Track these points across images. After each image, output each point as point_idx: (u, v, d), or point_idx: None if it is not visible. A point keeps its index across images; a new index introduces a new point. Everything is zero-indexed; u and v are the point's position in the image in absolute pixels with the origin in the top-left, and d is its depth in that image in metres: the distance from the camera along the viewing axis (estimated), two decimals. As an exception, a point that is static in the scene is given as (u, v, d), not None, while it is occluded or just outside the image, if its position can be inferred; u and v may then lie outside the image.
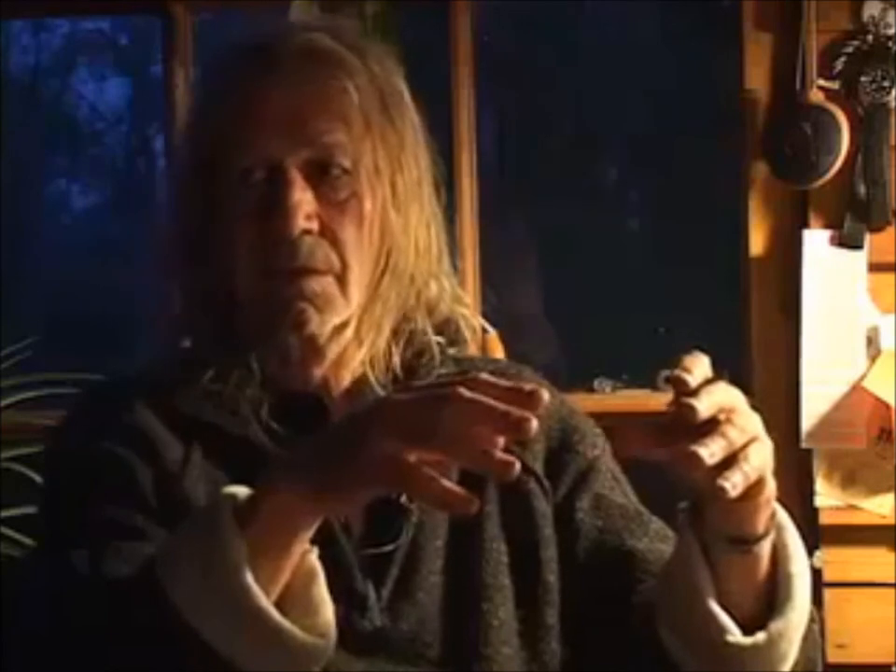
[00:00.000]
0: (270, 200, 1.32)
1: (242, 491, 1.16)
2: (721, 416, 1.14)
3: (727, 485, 1.13)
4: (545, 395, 1.06)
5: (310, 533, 1.15)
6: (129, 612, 1.15)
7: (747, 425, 1.15)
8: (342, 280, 1.34)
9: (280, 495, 1.12)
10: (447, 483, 1.05)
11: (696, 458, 1.11)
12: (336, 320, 1.35)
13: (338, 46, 1.35)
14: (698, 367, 1.15)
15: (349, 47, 1.36)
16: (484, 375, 1.08)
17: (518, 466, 1.05)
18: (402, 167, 1.37)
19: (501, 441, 1.06)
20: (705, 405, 1.13)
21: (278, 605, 1.14)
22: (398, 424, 1.07)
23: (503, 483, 1.32)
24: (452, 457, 1.07)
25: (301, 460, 1.14)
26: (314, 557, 1.17)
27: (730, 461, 1.14)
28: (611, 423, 1.50)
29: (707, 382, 1.14)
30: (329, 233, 1.33)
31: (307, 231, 1.32)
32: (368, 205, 1.35)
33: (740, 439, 1.14)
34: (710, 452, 1.12)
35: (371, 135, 1.34)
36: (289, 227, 1.31)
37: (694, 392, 1.13)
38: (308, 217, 1.32)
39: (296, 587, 1.16)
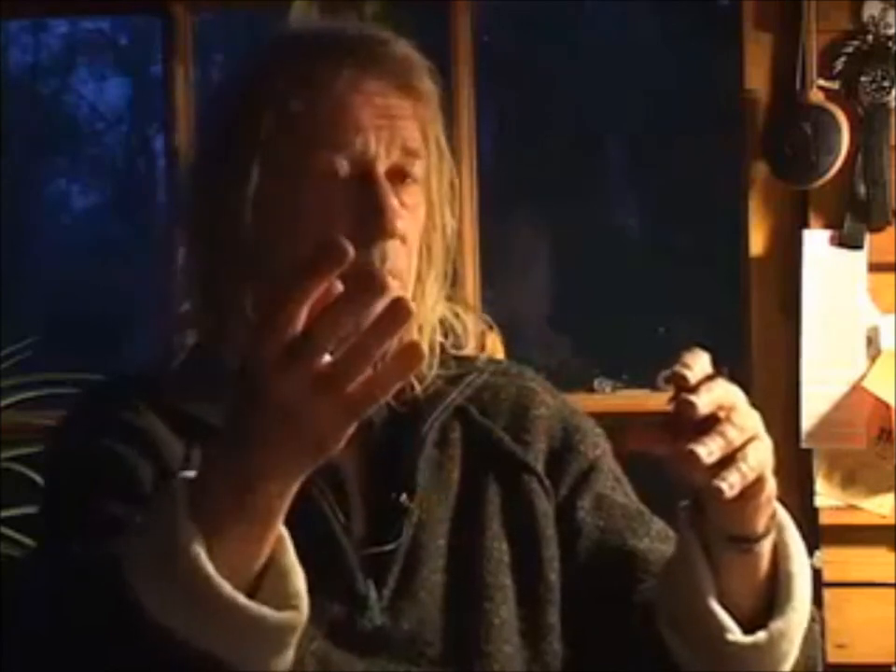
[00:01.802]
0: (362, 199, 1.32)
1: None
2: (721, 414, 1.14)
3: (724, 486, 1.13)
4: (391, 283, 1.02)
5: (283, 499, 1.08)
6: (100, 606, 1.13)
7: (746, 423, 1.15)
8: (404, 285, 1.36)
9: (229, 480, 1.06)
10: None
11: (694, 457, 1.11)
12: None
13: (415, 54, 1.39)
14: (698, 363, 1.15)
15: (420, 57, 1.39)
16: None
17: (425, 348, 1.03)
18: (443, 177, 1.40)
19: (393, 340, 1.01)
20: (704, 401, 1.13)
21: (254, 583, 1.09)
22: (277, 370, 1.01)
23: (541, 481, 1.38)
24: (377, 394, 1.02)
25: (233, 449, 1.06)
26: (280, 527, 1.12)
27: (728, 460, 1.14)
28: (611, 423, 1.51)
29: (708, 378, 1.15)
30: (404, 240, 1.35)
31: (397, 235, 1.33)
32: (423, 213, 1.38)
33: (739, 438, 1.14)
34: (708, 451, 1.12)
35: (431, 146, 1.38)
36: (389, 228, 1.32)
37: (694, 388, 1.13)
38: (402, 221, 1.34)
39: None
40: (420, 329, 1.39)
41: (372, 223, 1.32)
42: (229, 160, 1.37)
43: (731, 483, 1.13)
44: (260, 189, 1.35)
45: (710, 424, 1.13)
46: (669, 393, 1.16)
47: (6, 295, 4.18)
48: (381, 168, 1.33)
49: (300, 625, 1.11)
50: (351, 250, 0.99)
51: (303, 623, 1.11)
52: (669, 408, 1.15)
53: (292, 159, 1.34)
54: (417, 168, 1.36)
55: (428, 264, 1.39)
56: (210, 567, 1.06)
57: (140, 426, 1.33)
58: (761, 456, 1.16)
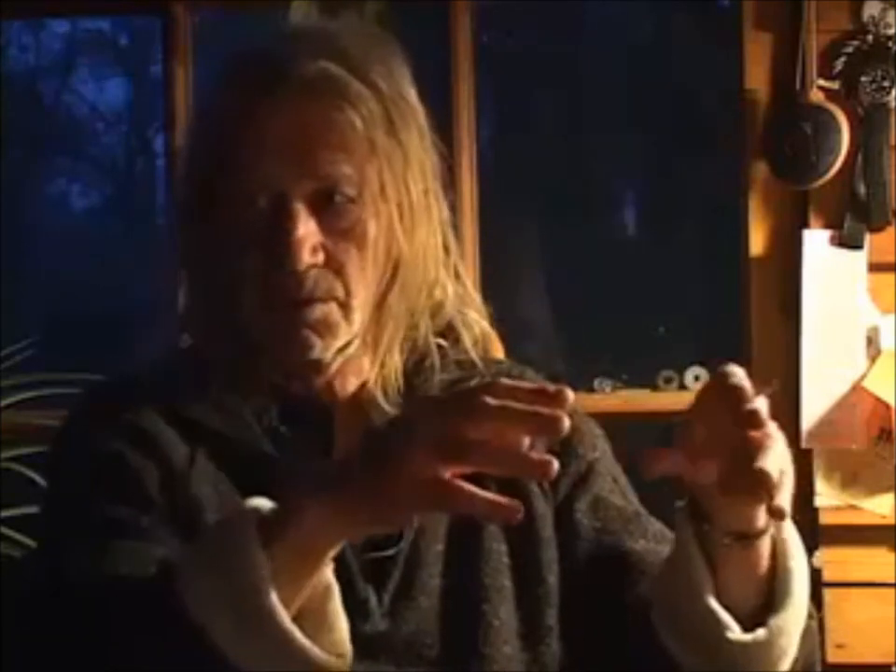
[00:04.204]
0: (274, 231, 1.32)
1: (264, 505, 1.15)
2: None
3: (783, 506, 1.15)
4: (570, 393, 1.06)
5: (333, 553, 1.15)
6: (139, 618, 1.15)
7: (781, 440, 1.17)
8: (345, 306, 1.34)
9: (309, 517, 1.11)
10: (490, 496, 1.06)
11: (766, 477, 1.12)
12: (339, 343, 1.35)
13: (344, 73, 1.34)
14: (745, 378, 1.16)
15: (355, 70, 1.34)
16: (505, 380, 1.08)
17: (556, 464, 1.05)
18: (409, 185, 1.36)
19: (528, 441, 1.05)
20: (764, 415, 1.14)
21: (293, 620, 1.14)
22: (430, 442, 1.06)
23: (539, 483, 1.37)
24: (489, 468, 1.07)
25: (332, 483, 1.13)
26: (329, 572, 1.17)
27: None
28: (611, 423, 1.51)
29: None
30: (333, 263, 1.33)
31: (312, 265, 1.32)
32: (373, 230, 1.34)
33: (783, 457, 1.16)
34: (773, 468, 1.13)
35: (377, 161, 1.34)
36: (295, 262, 1.31)
37: (750, 400, 1.14)
38: (314, 251, 1.32)
39: (311, 603, 1.15)
40: (388, 348, 1.38)
41: (277, 255, 1.31)
42: (184, 193, 1.40)
43: (786, 503, 1.16)
44: (205, 222, 1.36)
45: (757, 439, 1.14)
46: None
47: (6, 295, 4.18)
48: (295, 196, 1.32)
49: None
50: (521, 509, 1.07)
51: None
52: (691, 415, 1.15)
53: (223, 194, 1.35)
54: (347, 189, 1.33)
55: (391, 284, 1.37)
56: (287, 619, 1.12)
57: (144, 427, 1.33)
58: (791, 474, 1.18)
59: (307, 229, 1.31)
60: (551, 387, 1.06)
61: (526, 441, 1.05)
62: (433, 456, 1.06)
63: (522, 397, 1.06)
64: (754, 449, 1.13)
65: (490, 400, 1.05)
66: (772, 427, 1.16)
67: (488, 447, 1.05)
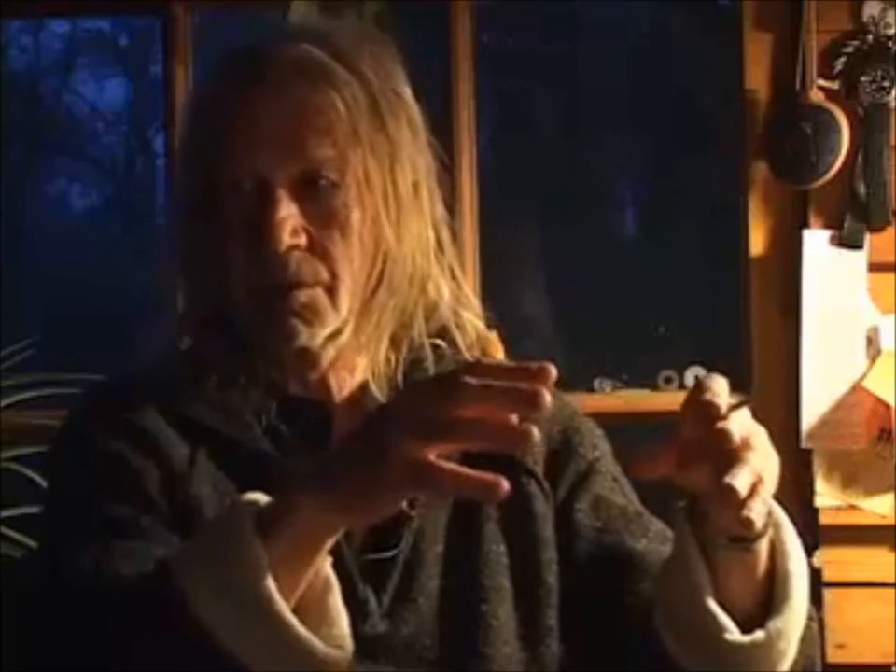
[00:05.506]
0: (256, 214, 1.32)
1: (261, 499, 1.15)
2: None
3: (753, 516, 1.14)
4: (553, 370, 1.06)
5: (330, 545, 1.15)
6: (139, 615, 1.15)
7: (762, 447, 1.16)
8: (331, 291, 1.34)
9: (303, 509, 1.12)
10: (473, 472, 1.05)
11: (733, 492, 1.12)
12: (326, 331, 1.35)
13: (328, 57, 1.34)
14: (723, 390, 1.15)
15: (341, 56, 1.35)
16: (483, 359, 1.08)
17: (537, 433, 1.05)
18: (396, 177, 1.36)
19: (514, 418, 1.05)
20: (737, 430, 1.14)
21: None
22: (413, 424, 1.06)
23: (523, 455, 1.36)
24: (471, 446, 1.07)
25: (322, 472, 1.13)
26: (328, 567, 1.17)
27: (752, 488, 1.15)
28: (611, 423, 1.50)
29: (732, 407, 1.15)
30: (317, 247, 1.33)
31: (294, 247, 1.32)
32: (357, 217, 1.34)
33: (760, 464, 1.15)
34: (742, 483, 1.12)
35: (361, 147, 1.34)
36: (275, 244, 1.31)
37: (724, 417, 1.14)
38: (294, 233, 1.32)
39: (311, 597, 1.16)
40: (377, 340, 1.38)
41: (260, 239, 1.32)
42: (178, 187, 1.42)
43: (758, 513, 1.15)
44: (197, 214, 1.37)
45: (737, 450, 1.14)
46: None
47: (6, 295, 4.18)
48: (277, 180, 1.32)
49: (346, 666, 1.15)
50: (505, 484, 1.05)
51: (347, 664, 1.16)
52: (688, 433, 1.15)
53: (213, 179, 1.35)
54: (329, 172, 1.33)
55: (379, 276, 1.37)
56: (286, 609, 1.12)
57: (144, 427, 1.33)
58: (774, 477, 1.18)
59: (288, 211, 1.32)
60: (533, 365, 1.06)
61: (514, 419, 1.05)
62: (416, 437, 1.06)
63: (503, 375, 1.06)
64: (725, 463, 1.13)
65: (471, 380, 1.05)
66: (751, 436, 1.15)
67: (469, 423, 1.05)
